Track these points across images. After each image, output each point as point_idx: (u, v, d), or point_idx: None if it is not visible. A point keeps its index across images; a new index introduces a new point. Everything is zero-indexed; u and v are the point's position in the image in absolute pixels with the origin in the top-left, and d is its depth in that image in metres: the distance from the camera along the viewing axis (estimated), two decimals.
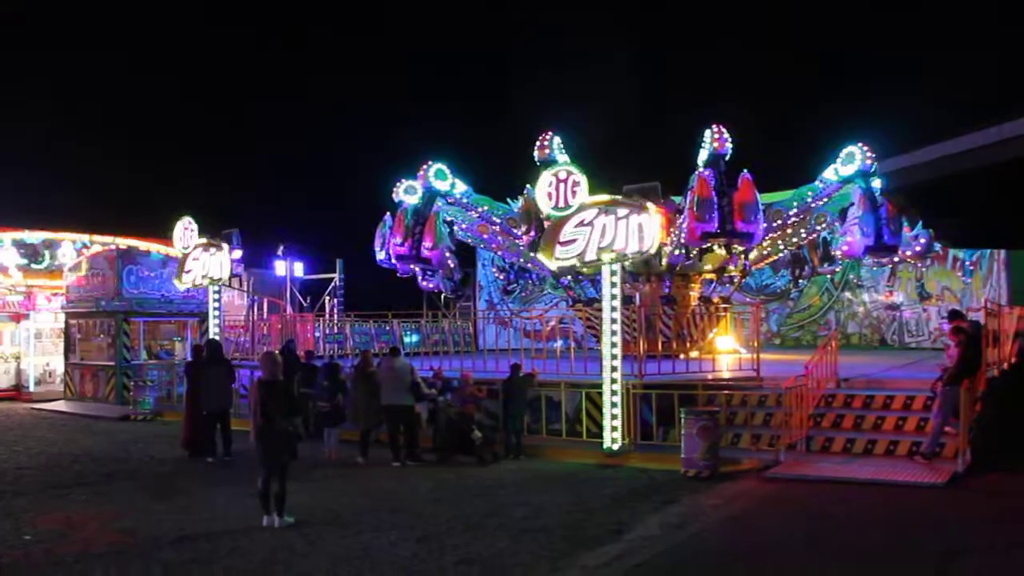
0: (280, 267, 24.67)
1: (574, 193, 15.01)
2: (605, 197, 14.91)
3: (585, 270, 19.95)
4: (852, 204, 19.69)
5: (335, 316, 26.63)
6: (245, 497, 10.78)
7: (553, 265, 15.23)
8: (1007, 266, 22.84)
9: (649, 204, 14.78)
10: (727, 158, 19.32)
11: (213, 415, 15.02)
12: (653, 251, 14.95)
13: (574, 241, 14.88)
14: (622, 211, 14.59)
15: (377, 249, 21.27)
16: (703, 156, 19.27)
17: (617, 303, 14.87)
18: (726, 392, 15.37)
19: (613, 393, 14.63)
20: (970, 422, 12.68)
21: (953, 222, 6.15)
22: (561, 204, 15.12)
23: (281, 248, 24.11)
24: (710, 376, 16.49)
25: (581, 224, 14.81)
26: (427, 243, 21.03)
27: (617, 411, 14.61)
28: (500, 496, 12.13)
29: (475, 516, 10.86)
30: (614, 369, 14.68)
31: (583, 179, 14.97)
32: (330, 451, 15.08)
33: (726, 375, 16.95)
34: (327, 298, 29.75)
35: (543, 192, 15.30)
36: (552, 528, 10.18)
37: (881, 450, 13.60)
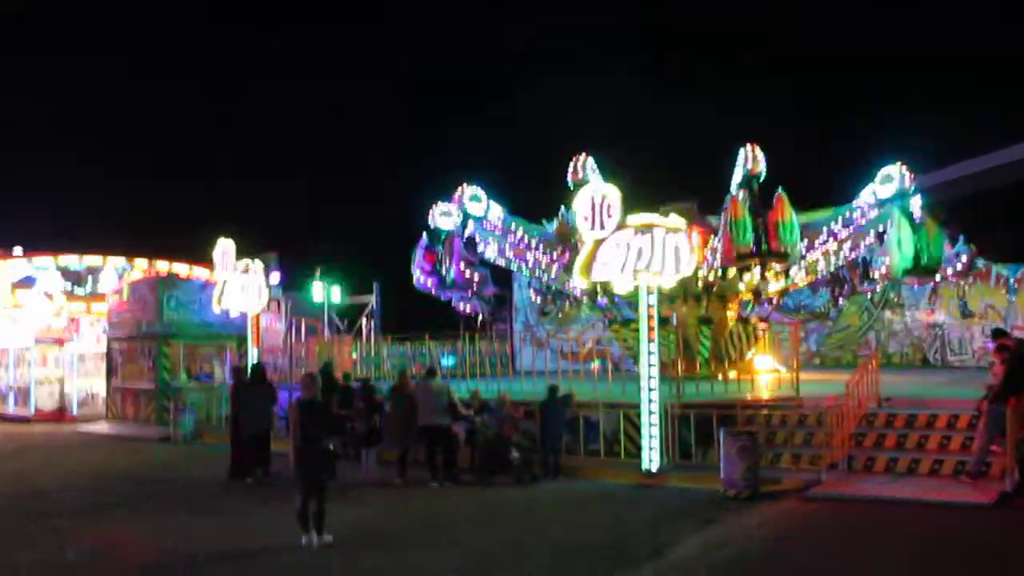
0: (317, 290, 24.89)
1: (610, 215, 14.99)
2: (642, 218, 14.86)
3: (621, 291, 19.95)
4: (891, 224, 19.49)
5: (372, 339, 26.77)
6: (284, 517, 10.83)
7: (589, 286, 15.20)
8: None
9: (685, 224, 14.72)
10: (761, 178, 19.24)
11: (254, 436, 15.11)
12: (690, 272, 14.87)
13: (609, 263, 14.83)
14: (659, 233, 14.53)
15: (414, 272, 21.42)
16: (737, 176, 19.20)
17: (655, 323, 14.80)
18: (765, 412, 15.22)
19: (652, 413, 14.53)
20: (1017, 441, 12.44)
21: (997, 235, 6.07)
22: (598, 226, 15.11)
23: (318, 271, 24.33)
24: (749, 396, 16.34)
25: (617, 246, 14.77)
26: (457, 266, 21.18)
27: (655, 431, 14.51)
28: (539, 516, 12.10)
29: (515, 536, 10.85)
30: (652, 389, 14.59)
31: (618, 200, 14.94)
32: (368, 472, 15.12)
33: (765, 395, 16.79)
34: (363, 320, 29.91)
35: (581, 215, 15.30)
36: (593, 548, 10.13)
37: (925, 469, 13.37)
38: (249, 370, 16.22)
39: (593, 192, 15.29)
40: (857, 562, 9.33)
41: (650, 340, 14.75)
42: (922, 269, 19.58)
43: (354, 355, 22.12)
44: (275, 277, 19.93)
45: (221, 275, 20.15)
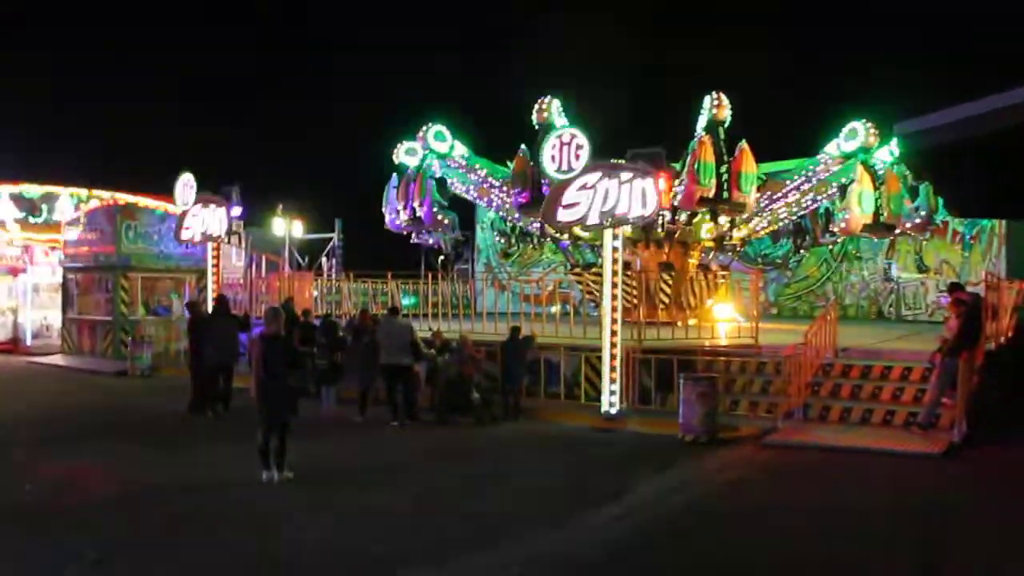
0: (279, 226, 24.53)
1: (577, 156, 14.95)
2: (609, 161, 14.84)
3: (585, 234, 19.96)
4: (853, 180, 19.68)
5: (333, 276, 26.59)
6: (245, 452, 10.80)
7: (554, 228, 15.17)
8: (1007, 240, 22.83)
9: (653, 169, 14.70)
10: (726, 124, 19.27)
11: (216, 369, 14.98)
12: (655, 216, 14.90)
13: (576, 204, 14.80)
14: (625, 175, 14.49)
15: (386, 213, 21.29)
16: (702, 123, 19.20)
17: (618, 267, 14.85)
18: (724, 359, 15.40)
19: (613, 357, 14.64)
20: (968, 394, 12.73)
21: (968, 188, 6.13)
22: (564, 167, 15.06)
23: (280, 206, 23.96)
24: (708, 343, 16.51)
25: (584, 188, 14.72)
26: (422, 203, 21.06)
27: (616, 375, 14.64)
28: (499, 456, 12.21)
29: (475, 475, 10.95)
30: (614, 333, 14.69)
31: (587, 143, 14.90)
32: (328, 409, 15.12)
33: (724, 342, 16.97)
34: (325, 258, 29.67)
35: (547, 155, 15.25)
36: (552, 489, 10.26)
37: (878, 419, 13.64)
38: (212, 302, 16.00)
39: (561, 133, 15.21)
40: (812, 507, 9.52)
41: (613, 284, 14.81)
42: (881, 224, 19.87)
43: (314, 292, 21.95)
44: (237, 210, 19.61)
45: (182, 206, 19.85)
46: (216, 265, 20.11)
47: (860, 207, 19.47)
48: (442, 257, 31.37)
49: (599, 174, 14.65)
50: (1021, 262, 21.15)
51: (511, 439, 13.44)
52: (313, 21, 56.61)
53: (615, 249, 14.82)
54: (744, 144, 18.23)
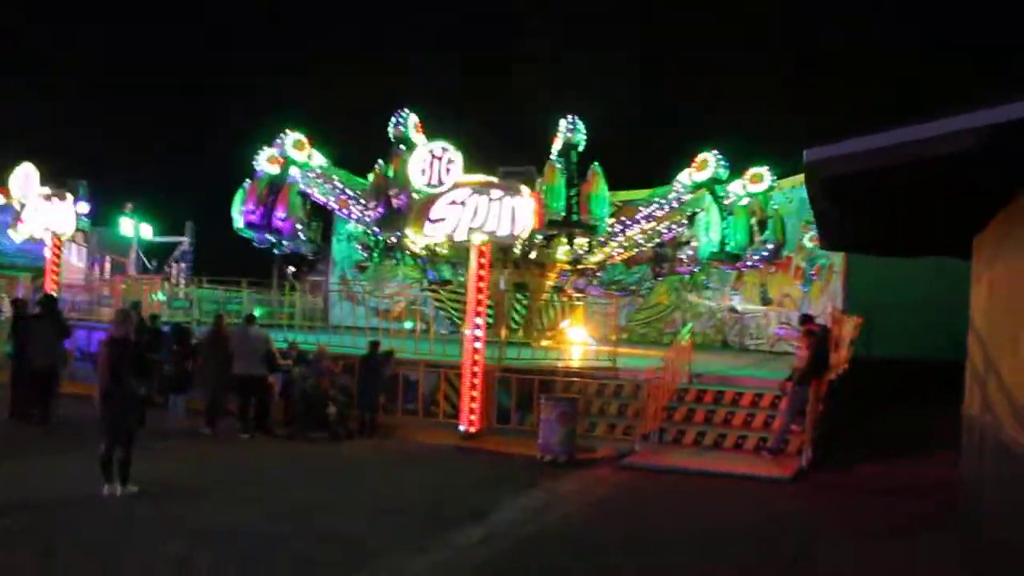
0: (126, 226, 23.15)
1: (448, 171, 14.79)
2: (480, 178, 14.78)
3: (444, 251, 19.84)
4: (702, 210, 20.39)
5: (181, 281, 25.40)
6: (83, 463, 10.03)
7: (421, 241, 14.95)
8: (845, 278, 24.02)
9: (524, 188, 14.71)
10: (580, 148, 19.61)
11: (38, 372, 13.87)
12: (525, 235, 14.91)
13: (444, 219, 14.65)
14: (496, 193, 14.46)
15: (235, 216, 20.55)
16: (557, 146, 19.47)
17: (484, 285, 14.75)
18: (583, 380, 15.50)
19: (474, 375, 14.50)
20: (814, 421, 13.24)
21: (852, 221, 6.32)
22: (434, 181, 14.87)
23: (129, 206, 22.59)
24: (564, 365, 16.61)
25: (453, 203, 14.59)
26: (280, 213, 20.57)
27: (476, 393, 14.49)
28: (357, 474, 11.85)
29: (333, 493, 10.55)
30: (476, 351, 14.55)
31: (458, 158, 14.77)
32: (176, 420, 14.33)
33: (576, 365, 17.11)
34: (174, 262, 28.37)
35: (416, 168, 15.01)
36: (413, 508, 9.96)
37: (730, 444, 14.02)
38: (37, 302, 14.87)
39: (432, 146, 15.03)
40: (676, 528, 9.61)
41: (478, 302, 14.69)
42: (727, 254, 20.58)
43: (162, 296, 20.89)
44: (83, 207, 18.45)
45: (20, 200, 18.52)
46: (56, 264, 18.83)
47: (707, 236, 20.17)
48: (292, 269, 30.66)
49: (469, 190, 14.55)
50: (857, 298, 22.26)
51: (368, 456, 13.07)
52: (171, 18, 54.53)
53: (481, 266, 14.71)
54: (595, 167, 18.55)
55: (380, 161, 19.74)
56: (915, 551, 8.77)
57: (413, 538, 8.69)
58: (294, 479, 11.27)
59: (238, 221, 20.52)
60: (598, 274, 23.63)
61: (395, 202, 18.81)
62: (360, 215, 21.33)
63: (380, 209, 19.40)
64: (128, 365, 9.64)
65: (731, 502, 10.99)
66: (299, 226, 20.81)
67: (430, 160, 14.95)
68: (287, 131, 20.83)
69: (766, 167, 20.88)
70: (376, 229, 21.07)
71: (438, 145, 15.05)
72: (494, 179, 15.15)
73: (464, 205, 14.50)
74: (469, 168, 15.03)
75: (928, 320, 25.74)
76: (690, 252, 21.68)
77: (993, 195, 6.68)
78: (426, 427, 15.12)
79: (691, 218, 20.98)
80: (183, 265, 28.57)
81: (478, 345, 14.56)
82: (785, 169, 22.97)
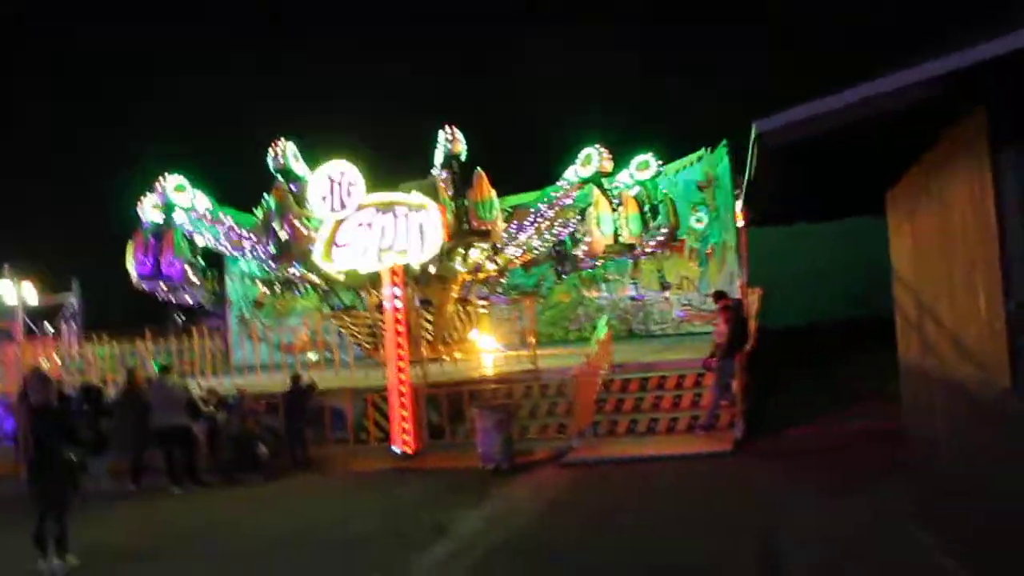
0: (6, 289, 21.84)
1: (350, 193, 14.57)
2: (384, 196, 14.59)
3: (341, 277, 19.56)
4: (590, 205, 20.60)
5: (72, 342, 24.27)
6: (9, 541, 9.46)
7: (331, 269, 14.68)
8: (737, 252, 24.65)
9: (429, 202, 14.62)
10: (462, 157, 19.65)
11: None
12: (436, 250, 14.81)
13: (351, 244, 14.43)
14: (401, 210, 14.33)
15: (130, 270, 19.79)
16: (439, 157, 19.46)
17: (400, 304, 14.56)
18: (509, 386, 15.50)
19: (402, 395, 14.30)
20: (743, 392, 13.57)
21: (787, 191, 6.50)
22: (337, 206, 14.62)
23: (5, 267, 21.32)
24: (486, 374, 16.61)
25: (359, 225, 14.39)
26: (167, 258, 19.89)
27: (407, 413, 14.30)
28: (301, 509, 11.53)
29: (282, 532, 10.22)
30: (402, 372, 14.36)
31: (359, 179, 14.56)
32: (98, 483, 13.64)
33: (504, 371, 17.12)
34: (63, 322, 27.08)
35: (317, 196, 14.72)
36: (372, 535, 9.77)
37: (663, 427, 14.21)
38: None
39: (331, 170, 14.79)
40: (635, 516, 9.69)
41: (397, 321, 14.50)
42: (621, 245, 20.88)
43: (56, 360, 19.92)
44: None
45: None
46: None
47: (599, 230, 20.41)
48: (182, 318, 29.70)
49: (374, 210, 14.38)
50: (758, 271, 22.86)
51: (309, 491, 12.74)
52: (44, 64, 52.09)
53: (395, 286, 14.52)
54: (479, 171, 18.58)
55: (265, 195, 19.37)
56: (872, 501, 9.06)
57: (379, 566, 8.52)
58: (240, 524, 10.90)
59: (134, 274, 19.75)
60: (501, 280, 23.65)
61: (282, 234, 18.48)
62: (253, 252, 20.84)
63: (270, 243, 19.01)
64: (53, 432, 9.15)
65: (682, 482, 11.15)
66: (189, 270, 20.19)
67: (329, 185, 14.69)
68: (166, 175, 20.15)
69: (651, 153, 21.29)
70: (272, 264, 20.61)
71: (336, 168, 14.79)
72: (398, 195, 14.94)
73: (371, 227, 14.31)
74: (371, 187, 14.81)
75: (819, 286, 26.82)
76: (585, 248, 21.89)
77: (910, 147, 6.97)
78: (360, 454, 14.84)
79: (583, 213, 21.21)
80: (72, 324, 27.31)
81: (403, 366, 14.37)
82: (668, 154, 23.57)
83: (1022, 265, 5.65)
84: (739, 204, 18.89)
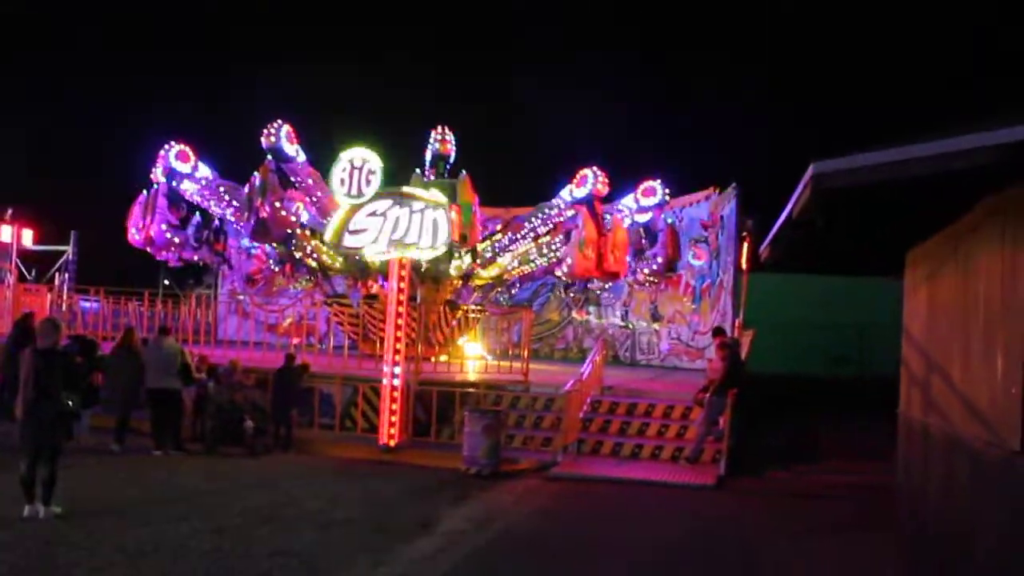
0: (5, 232, 21.71)
1: (368, 182, 14.65)
2: (403, 188, 14.69)
3: (337, 265, 19.58)
4: (576, 226, 20.50)
5: (64, 291, 24.13)
6: None
7: (341, 253, 14.74)
8: (732, 294, 24.85)
9: (446, 200, 14.72)
10: (451, 159, 19.69)
11: None
12: (446, 248, 14.90)
13: (365, 231, 14.51)
14: (418, 205, 14.42)
15: (131, 231, 19.75)
16: (428, 157, 19.49)
17: (404, 298, 14.65)
18: (498, 393, 15.59)
19: (394, 388, 14.36)
20: (731, 431, 13.71)
21: (820, 240, 6.65)
22: (354, 192, 14.70)
23: (9, 212, 21.20)
24: (477, 378, 16.68)
25: (374, 214, 14.47)
26: (167, 222, 19.86)
27: (396, 407, 14.36)
28: (285, 487, 11.51)
29: (267, 507, 10.24)
30: (397, 365, 14.43)
31: (379, 168, 14.66)
32: (82, 436, 13.61)
33: (495, 378, 17.18)
34: (57, 272, 26.93)
35: (336, 177, 14.80)
36: (356, 521, 9.80)
37: (647, 454, 14.34)
38: None
39: (353, 155, 14.86)
40: (620, 535, 9.77)
41: (398, 315, 14.58)
42: (604, 271, 20.81)
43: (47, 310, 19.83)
44: None
45: None
46: None
47: (582, 252, 20.30)
48: (166, 282, 29.58)
49: (390, 201, 14.46)
50: (749, 316, 23.06)
51: (292, 472, 12.73)
52: (63, 22, 52.01)
53: (402, 279, 14.61)
54: (465, 175, 18.58)
55: (255, 173, 19.31)
56: (854, 549, 9.21)
57: (367, 551, 8.57)
58: (224, 495, 10.89)
59: (134, 235, 19.71)
60: (498, 289, 23.71)
61: (262, 212, 18.39)
62: (238, 226, 20.77)
63: (251, 221, 18.91)
64: (55, 377, 9.17)
65: (667, 508, 11.28)
66: (179, 240, 20.11)
67: (349, 170, 14.77)
68: (170, 143, 20.16)
69: (659, 181, 21.35)
70: (251, 241, 20.49)
71: (358, 155, 14.87)
72: (417, 189, 15.03)
73: (385, 217, 14.39)
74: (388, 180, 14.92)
75: (802, 339, 27.09)
76: (565, 269, 21.51)
77: (942, 211, 7.13)
78: (343, 441, 14.88)
79: (568, 235, 21.01)
80: (67, 276, 27.18)
81: (399, 359, 14.44)
82: (674, 190, 23.71)
83: None
84: (744, 246, 19.01)
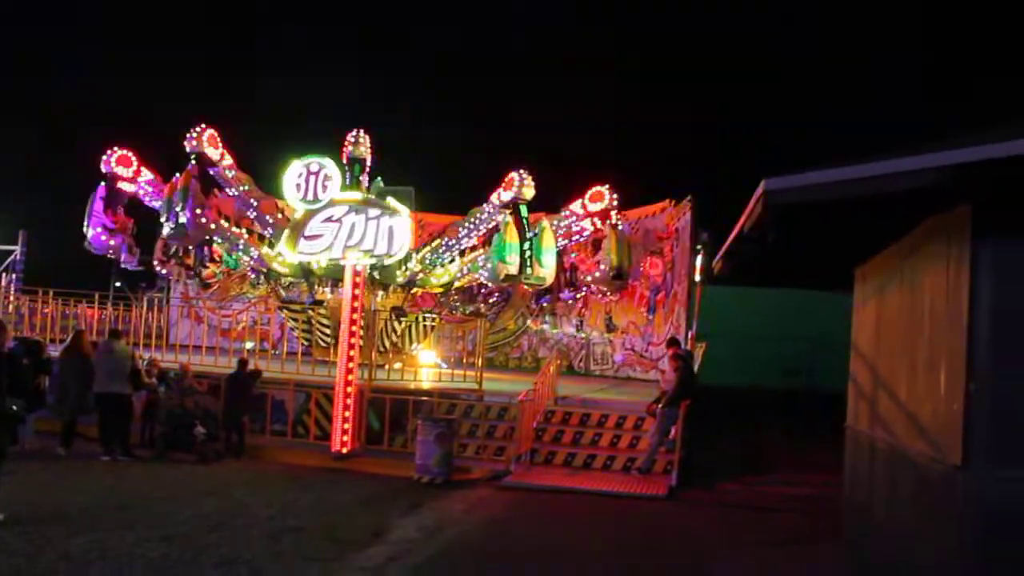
0: None
1: (325, 188, 14.60)
2: (358, 195, 14.65)
3: (284, 270, 19.35)
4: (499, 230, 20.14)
5: (11, 293, 23.69)
6: None
7: (296, 258, 14.66)
8: (686, 306, 25.04)
9: (402, 208, 14.71)
10: (366, 163, 19.53)
11: None
12: (402, 255, 14.88)
13: (320, 236, 14.45)
14: (373, 212, 14.40)
15: (88, 228, 19.37)
16: (344, 160, 19.35)
17: (358, 304, 14.59)
18: (452, 402, 15.56)
19: (347, 395, 14.29)
20: (682, 442, 13.83)
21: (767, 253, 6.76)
22: (310, 196, 14.64)
23: None
24: (430, 386, 16.64)
25: (329, 220, 14.42)
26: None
27: (349, 414, 14.29)
28: (236, 495, 11.41)
29: (217, 515, 10.14)
30: (351, 372, 14.36)
31: (336, 174, 14.61)
32: (25, 440, 13.35)
33: (448, 386, 17.15)
34: (4, 272, 26.41)
35: (291, 183, 14.73)
36: (307, 529, 9.74)
37: (600, 464, 14.41)
38: None
39: (309, 162, 14.81)
40: (572, 543, 9.86)
41: (352, 321, 14.52)
42: (527, 278, 20.56)
43: None
44: None
45: None
46: None
47: (507, 258, 19.89)
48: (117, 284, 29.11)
49: (346, 208, 14.42)
50: (701, 328, 23.26)
51: (243, 479, 12.60)
52: (25, 17, 51.02)
53: (356, 285, 14.55)
54: (378, 181, 18.33)
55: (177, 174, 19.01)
56: (803, 560, 9.35)
57: (317, 560, 8.53)
58: (172, 502, 10.75)
59: (94, 234, 19.34)
60: (454, 297, 23.63)
61: (181, 217, 18.11)
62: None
63: (170, 221, 18.62)
64: (2, 380, 9.02)
65: (620, 518, 11.37)
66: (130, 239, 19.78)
67: (305, 175, 14.71)
68: (115, 148, 19.81)
69: (607, 186, 20.97)
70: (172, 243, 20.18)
71: (315, 161, 14.82)
72: (372, 197, 15.00)
73: (341, 223, 14.35)
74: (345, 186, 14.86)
75: (757, 351, 27.45)
76: (486, 273, 20.79)
77: (889, 229, 7.29)
78: (295, 448, 14.76)
79: (489, 240, 20.52)
80: (14, 276, 26.66)
81: (353, 366, 14.38)
82: (631, 202, 23.79)
83: (985, 353, 5.97)
84: (699, 259, 19.05)
